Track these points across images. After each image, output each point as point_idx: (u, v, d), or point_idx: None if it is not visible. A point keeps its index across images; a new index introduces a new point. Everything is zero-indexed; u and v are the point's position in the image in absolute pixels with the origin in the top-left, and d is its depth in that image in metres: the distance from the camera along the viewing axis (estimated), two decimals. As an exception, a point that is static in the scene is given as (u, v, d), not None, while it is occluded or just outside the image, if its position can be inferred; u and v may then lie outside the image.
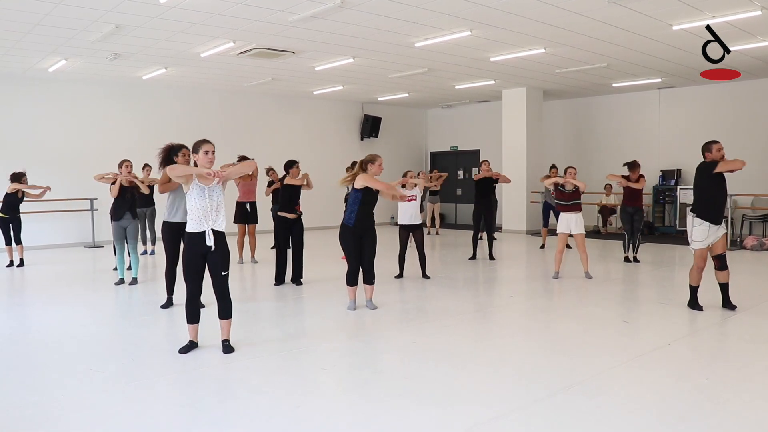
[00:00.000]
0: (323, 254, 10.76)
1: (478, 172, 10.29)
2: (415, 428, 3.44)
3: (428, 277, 8.27)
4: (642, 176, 9.40)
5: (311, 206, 11.89)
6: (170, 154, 5.91)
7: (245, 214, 9.67)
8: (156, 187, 9.13)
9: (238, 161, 8.96)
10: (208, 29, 8.50)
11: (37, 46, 9.27)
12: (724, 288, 6.19)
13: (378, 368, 4.66)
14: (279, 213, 7.90)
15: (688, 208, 6.21)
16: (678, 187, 13.04)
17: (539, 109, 14.62)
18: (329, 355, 4.94)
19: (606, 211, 14.14)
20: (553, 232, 10.34)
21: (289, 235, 7.89)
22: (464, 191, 17.31)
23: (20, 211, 9.64)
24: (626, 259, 9.59)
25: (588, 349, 4.98)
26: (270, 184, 10.20)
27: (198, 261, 4.71)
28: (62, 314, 6.37)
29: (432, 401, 3.80)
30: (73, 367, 4.54)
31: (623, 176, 9.36)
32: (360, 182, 6.06)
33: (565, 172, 8.27)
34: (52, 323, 6.03)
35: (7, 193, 9.47)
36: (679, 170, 13.49)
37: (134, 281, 7.91)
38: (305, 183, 8.00)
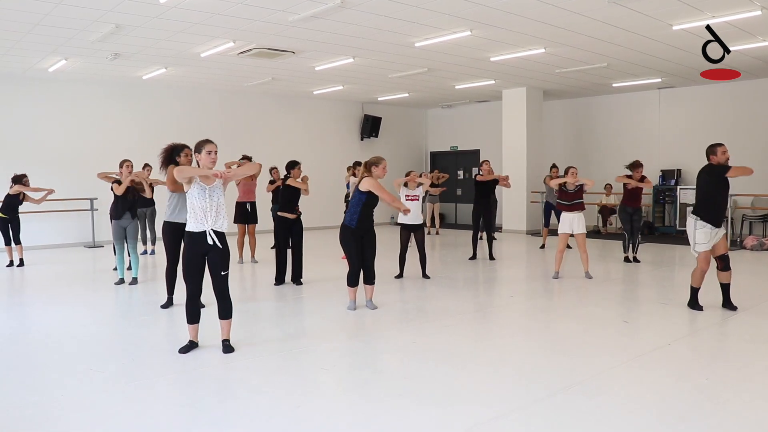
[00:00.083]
0: (323, 254, 10.77)
1: (479, 172, 10.28)
2: (415, 428, 3.44)
3: (428, 277, 8.27)
4: (644, 176, 9.38)
5: (311, 206, 11.89)
6: (172, 154, 5.91)
7: (245, 214, 9.68)
8: (155, 187, 9.19)
9: (240, 160, 8.99)
10: (208, 29, 8.50)
11: (37, 46, 9.27)
12: (726, 288, 6.19)
13: (378, 368, 4.66)
14: (279, 213, 7.90)
15: (689, 210, 6.21)
16: (678, 187, 13.04)
17: (539, 109, 14.62)
18: (329, 355, 4.94)
19: (606, 211, 14.14)
20: (553, 232, 10.34)
21: (289, 235, 7.89)
22: (464, 191, 17.31)
23: (19, 211, 9.66)
24: (626, 259, 9.59)
25: (588, 349, 4.98)
26: (272, 182, 10.24)
27: (198, 260, 4.71)
28: (62, 314, 6.37)
29: (432, 401, 3.80)
30: (73, 367, 4.54)
31: (626, 176, 9.32)
32: (365, 186, 6.08)
33: (566, 172, 8.26)
34: (52, 323, 6.03)
35: (8, 194, 9.48)
36: (679, 170, 13.49)
37: (134, 281, 7.91)
38: (304, 189, 7.98)
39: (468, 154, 17.49)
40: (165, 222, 6.37)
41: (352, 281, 6.30)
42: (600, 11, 7.77)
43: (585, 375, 4.26)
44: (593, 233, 13.50)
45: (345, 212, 6.53)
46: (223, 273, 4.74)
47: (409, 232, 8.27)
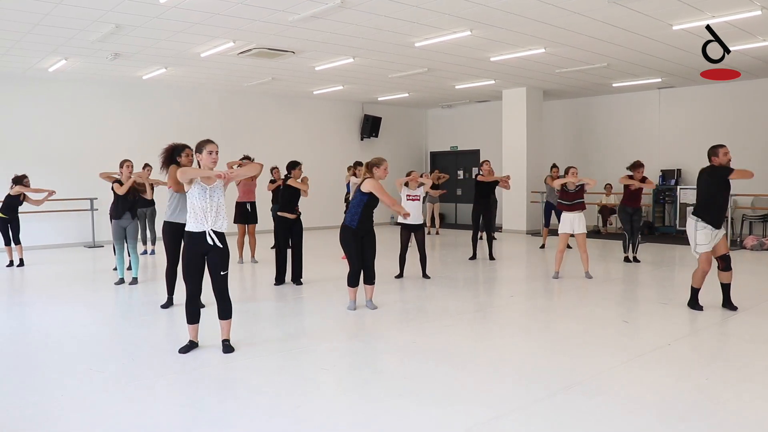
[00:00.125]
0: (323, 254, 10.77)
1: (479, 172, 10.27)
2: (415, 428, 3.44)
3: (428, 277, 8.27)
4: (645, 177, 9.37)
5: (311, 206, 11.89)
6: (173, 154, 5.91)
7: (245, 214, 9.68)
8: (153, 186, 9.19)
9: (241, 160, 8.98)
10: (208, 29, 8.50)
11: (37, 46, 9.27)
12: (726, 288, 6.19)
13: (378, 368, 4.66)
14: (279, 213, 7.90)
15: (689, 210, 6.20)
16: (678, 187, 13.04)
17: (539, 109, 14.61)
18: (329, 355, 4.94)
19: (606, 211, 14.14)
20: (554, 232, 10.34)
21: (289, 235, 7.89)
22: (464, 191, 17.31)
23: (19, 211, 9.66)
24: (626, 259, 9.58)
25: (588, 349, 4.98)
26: (273, 181, 10.25)
27: (198, 260, 4.71)
28: (62, 314, 6.37)
29: (432, 401, 3.80)
30: (73, 367, 4.54)
31: (628, 177, 9.30)
32: (367, 187, 6.10)
33: (566, 172, 8.26)
34: (52, 323, 6.03)
35: (9, 195, 9.49)
36: (679, 170, 13.49)
37: (134, 281, 7.91)
38: (304, 190, 7.98)
39: (468, 154, 17.49)
40: (165, 222, 6.36)
41: (353, 282, 6.30)
42: (600, 11, 7.77)
43: (585, 375, 4.26)
44: (593, 233, 13.49)
45: (345, 212, 6.53)
46: (222, 273, 4.74)
47: (409, 232, 8.27)
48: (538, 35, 9.06)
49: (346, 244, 6.25)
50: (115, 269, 8.29)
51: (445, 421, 3.51)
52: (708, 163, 6.04)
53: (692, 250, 6.10)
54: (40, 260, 10.32)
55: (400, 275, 8.33)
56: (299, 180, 7.94)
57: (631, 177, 9.24)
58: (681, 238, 10.91)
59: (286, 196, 7.87)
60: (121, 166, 7.96)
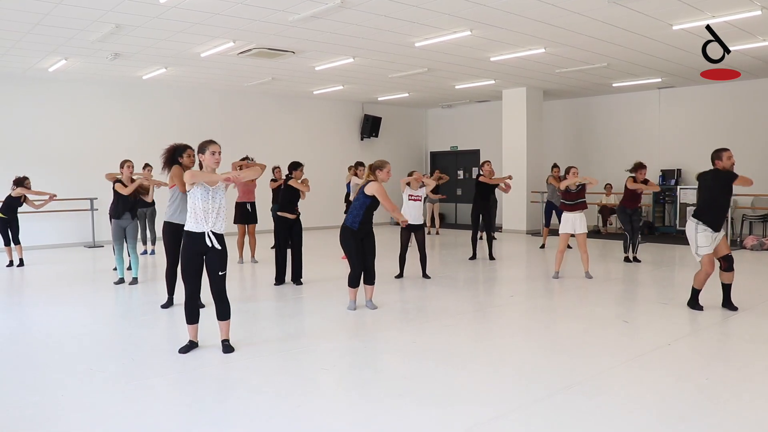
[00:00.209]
0: (323, 254, 10.77)
1: (479, 172, 10.27)
2: (415, 428, 3.44)
3: (428, 277, 8.28)
4: (647, 179, 9.35)
5: (311, 206, 11.89)
6: (175, 155, 5.91)
7: (245, 214, 9.69)
8: (154, 187, 9.20)
9: (241, 160, 8.97)
10: (208, 29, 8.50)
11: (37, 46, 9.27)
12: (727, 288, 6.18)
13: (378, 368, 4.66)
14: (279, 213, 7.91)
15: (689, 210, 6.20)
16: (678, 187, 13.03)
17: (539, 109, 14.61)
18: (329, 355, 4.94)
19: (606, 211, 14.14)
20: (554, 232, 10.33)
21: (289, 235, 7.89)
22: (464, 191, 17.31)
23: (18, 212, 9.67)
24: (626, 259, 9.58)
25: (588, 349, 4.98)
26: (274, 180, 10.26)
27: (197, 260, 4.71)
28: (62, 314, 6.37)
29: (432, 401, 3.80)
30: (73, 367, 4.54)
31: (631, 179, 9.26)
32: (371, 190, 6.12)
33: (566, 172, 8.25)
34: (53, 323, 6.03)
35: (10, 196, 9.49)
36: (679, 170, 13.48)
37: (134, 281, 7.91)
38: (304, 192, 7.98)
39: (468, 154, 17.49)
40: (165, 222, 6.36)
41: (354, 283, 6.30)
42: (600, 11, 7.77)
43: (585, 375, 4.26)
44: (593, 233, 13.48)
45: (345, 212, 6.53)
46: (220, 273, 4.74)
47: (409, 232, 8.27)
48: (538, 35, 9.06)
49: (347, 244, 6.25)
50: (115, 269, 8.29)
51: (445, 421, 3.51)
52: (710, 166, 6.03)
53: (693, 252, 6.09)
54: (40, 260, 10.32)
55: (400, 275, 8.33)
56: (300, 181, 7.95)
57: (633, 179, 9.21)
58: (681, 238, 10.90)
59: (287, 197, 7.88)
60: (122, 166, 7.95)
